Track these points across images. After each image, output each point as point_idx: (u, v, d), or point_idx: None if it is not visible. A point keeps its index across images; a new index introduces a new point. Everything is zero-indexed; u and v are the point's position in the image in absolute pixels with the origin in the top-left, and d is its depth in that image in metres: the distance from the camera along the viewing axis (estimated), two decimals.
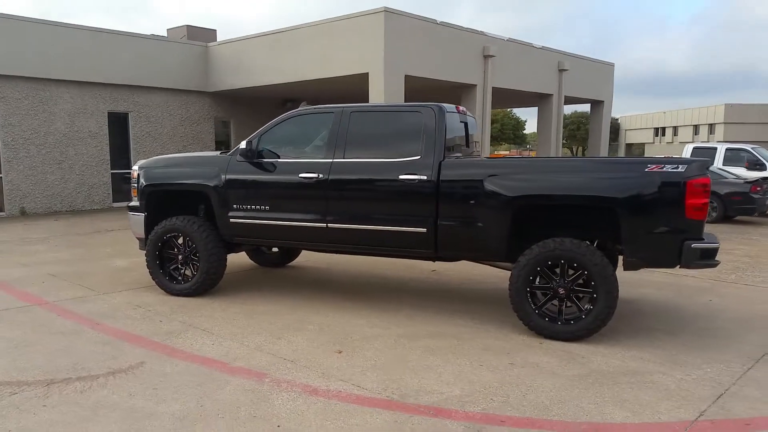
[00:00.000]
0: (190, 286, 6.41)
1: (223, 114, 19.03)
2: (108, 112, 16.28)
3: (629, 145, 68.11)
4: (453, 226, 5.46)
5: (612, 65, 21.72)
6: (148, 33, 18.90)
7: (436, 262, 6.11)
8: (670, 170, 4.85)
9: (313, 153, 6.10)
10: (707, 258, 4.86)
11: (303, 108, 6.30)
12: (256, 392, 3.96)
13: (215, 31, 22.70)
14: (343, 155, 5.89)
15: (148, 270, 6.61)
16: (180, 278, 6.52)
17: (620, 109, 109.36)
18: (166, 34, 22.61)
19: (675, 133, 60.48)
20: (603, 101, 21.43)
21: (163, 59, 17.23)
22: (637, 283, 7.38)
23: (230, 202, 6.24)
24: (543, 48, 18.26)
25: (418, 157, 5.57)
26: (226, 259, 6.55)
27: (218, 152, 6.45)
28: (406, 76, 13.78)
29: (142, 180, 6.66)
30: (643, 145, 65.19)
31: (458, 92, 16.17)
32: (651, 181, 4.86)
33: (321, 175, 5.86)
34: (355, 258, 8.45)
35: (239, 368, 4.39)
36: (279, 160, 6.12)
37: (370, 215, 5.76)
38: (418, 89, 15.82)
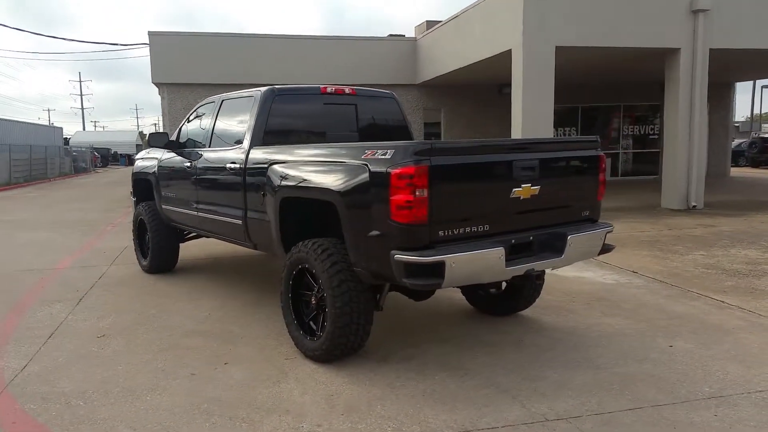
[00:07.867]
0: (146, 265, 7.24)
1: (433, 104, 19.37)
2: None
3: None
4: (254, 218, 5.06)
5: None
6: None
7: None
8: (378, 157, 3.65)
9: (200, 143, 6.24)
10: (418, 276, 3.50)
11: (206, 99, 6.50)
12: None
13: None
14: (209, 144, 5.94)
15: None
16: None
17: None
18: (413, 32, 24.04)
19: None
20: None
21: (377, 57, 18.53)
22: (634, 313, 5.49)
23: (160, 189, 6.84)
24: None
25: (241, 145, 5.28)
26: (173, 242, 7.15)
27: None
28: (563, 48, 12.02)
29: (134, 169, 7.77)
30: None
31: (655, 59, 13.27)
32: (361, 170, 3.74)
33: (193, 163, 6.02)
34: None
35: (12, 334, 5.03)
36: (184, 149, 6.44)
37: (216, 204, 5.71)
38: (597, 61, 13.60)
